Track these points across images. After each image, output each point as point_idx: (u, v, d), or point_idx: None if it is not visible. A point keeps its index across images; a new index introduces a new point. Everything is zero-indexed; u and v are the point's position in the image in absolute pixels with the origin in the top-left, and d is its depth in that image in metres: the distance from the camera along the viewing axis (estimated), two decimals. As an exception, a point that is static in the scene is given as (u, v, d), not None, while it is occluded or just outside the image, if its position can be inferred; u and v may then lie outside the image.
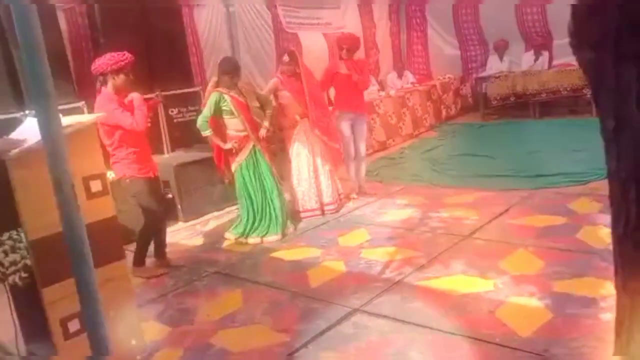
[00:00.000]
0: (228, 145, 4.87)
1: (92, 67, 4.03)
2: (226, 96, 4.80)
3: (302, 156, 5.41)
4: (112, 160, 4.15)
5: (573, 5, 1.44)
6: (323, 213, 5.45)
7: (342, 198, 5.70)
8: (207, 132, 4.83)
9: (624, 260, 1.68)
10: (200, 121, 4.83)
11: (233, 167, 4.98)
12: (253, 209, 4.99)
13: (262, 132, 5.02)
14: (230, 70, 4.82)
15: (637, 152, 1.45)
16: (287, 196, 5.37)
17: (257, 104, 5.02)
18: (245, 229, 4.96)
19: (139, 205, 4.30)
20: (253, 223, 4.98)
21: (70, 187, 1.43)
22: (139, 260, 4.38)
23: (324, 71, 6.02)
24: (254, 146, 4.96)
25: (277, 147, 6.98)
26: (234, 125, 4.90)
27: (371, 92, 6.12)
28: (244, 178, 4.97)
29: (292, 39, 8.68)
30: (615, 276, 1.78)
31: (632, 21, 1.30)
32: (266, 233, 4.94)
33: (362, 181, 6.01)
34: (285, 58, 5.36)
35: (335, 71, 5.77)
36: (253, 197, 4.99)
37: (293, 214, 5.37)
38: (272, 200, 5.01)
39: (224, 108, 4.82)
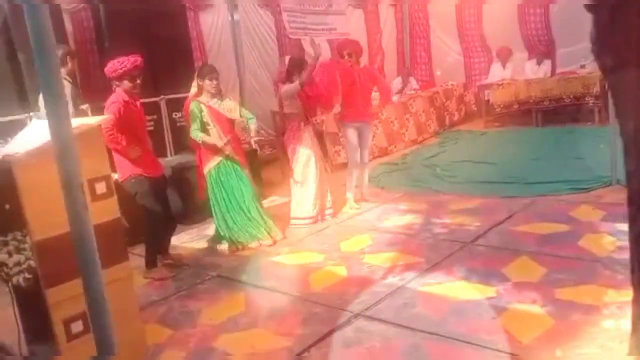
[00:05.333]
0: (222, 142, 4.74)
1: (109, 70, 4.12)
2: (203, 106, 4.72)
3: (310, 162, 5.38)
4: (118, 160, 4.18)
5: (595, 13, 1.45)
6: (323, 218, 5.49)
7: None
8: (201, 137, 4.72)
9: None
10: (193, 134, 4.74)
11: (205, 170, 4.88)
12: (225, 218, 4.90)
13: (253, 143, 5.09)
14: (211, 74, 4.75)
15: None
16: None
17: (239, 117, 4.93)
18: (228, 237, 4.90)
19: (142, 205, 4.31)
20: (231, 231, 4.90)
21: (80, 188, 1.44)
22: (151, 262, 4.40)
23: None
24: (227, 155, 4.84)
25: (279, 151, 7.01)
26: (210, 136, 4.80)
27: (374, 98, 6.08)
28: (213, 187, 4.88)
29: (296, 45, 8.71)
30: (631, 274, 1.79)
31: None
32: (255, 239, 4.90)
33: (365, 187, 6.01)
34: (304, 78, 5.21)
35: (341, 80, 5.65)
36: (222, 206, 4.90)
37: (280, 219, 5.36)
38: (250, 208, 4.94)
39: (203, 119, 4.74)
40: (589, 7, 1.47)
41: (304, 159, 5.38)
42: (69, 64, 4.87)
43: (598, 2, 1.47)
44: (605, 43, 1.48)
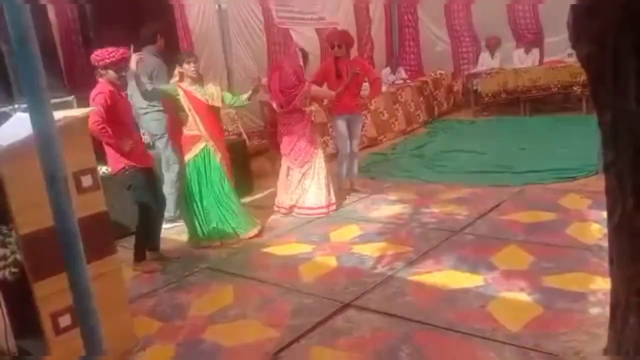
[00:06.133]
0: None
1: (96, 58, 4.06)
2: (181, 90, 4.62)
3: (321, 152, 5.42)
4: (110, 152, 4.13)
5: (574, 2, 1.44)
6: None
7: None
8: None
9: (619, 249, 1.71)
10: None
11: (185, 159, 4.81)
12: (199, 212, 4.77)
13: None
14: (188, 58, 4.68)
15: (633, 145, 1.47)
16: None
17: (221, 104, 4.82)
18: (199, 234, 4.79)
19: (134, 198, 4.27)
20: (202, 227, 4.78)
21: (63, 181, 1.42)
22: (140, 255, 4.37)
23: (318, 70, 5.94)
24: (205, 146, 4.73)
25: (268, 142, 6.97)
26: (188, 122, 4.71)
27: (364, 88, 6.06)
28: (190, 178, 4.77)
29: (284, 34, 8.66)
30: (610, 264, 1.80)
31: (633, 15, 1.30)
32: (223, 236, 4.77)
33: (354, 178, 6.01)
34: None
35: (329, 72, 5.62)
36: (198, 199, 4.76)
37: (269, 210, 5.33)
38: (221, 204, 4.80)
39: (179, 103, 4.65)
40: None
41: (320, 150, 5.40)
42: (159, 41, 5.36)
43: None
44: (582, 30, 1.47)
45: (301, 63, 5.23)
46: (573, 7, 1.47)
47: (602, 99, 1.53)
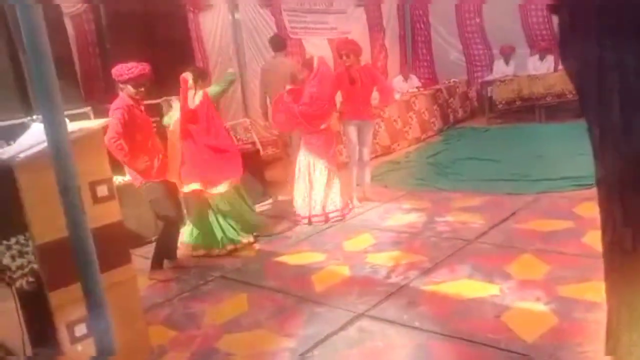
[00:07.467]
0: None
1: (115, 73, 4.11)
2: None
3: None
4: (129, 168, 4.20)
5: (559, 18, 1.43)
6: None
7: None
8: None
9: (612, 265, 1.68)
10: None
11: None
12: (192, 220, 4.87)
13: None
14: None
15: (621, 160, 1.45)
16: (301, 200, 5.41)
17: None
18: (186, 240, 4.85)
19: (155, 211, 4.33)
20: (190, 234, 4.85)
21: (76, 192, 1.44)
22: (157, 265, 4.41)
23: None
24: None
25: (282, 151, 6.99)
26: None
27: (374, 98, 6.07)
28: None
29: (296, 45, 8.72)
30: (605, 281, 1.78)
31: (615, 32, 1.29)
32: (212, 247, 4.80)
33: (367, 186, 6.00)
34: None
35: (342, 80, 5.62)
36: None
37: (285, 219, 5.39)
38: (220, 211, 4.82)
39: None
40: (551, 8, 1.45)
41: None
42: (285, 48, 6.57)
43: (559, 2, 1.44)
44: (567, 47, 1.46)
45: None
46: (559, 24, 1.46)
47: (590, 115, 1.52)
